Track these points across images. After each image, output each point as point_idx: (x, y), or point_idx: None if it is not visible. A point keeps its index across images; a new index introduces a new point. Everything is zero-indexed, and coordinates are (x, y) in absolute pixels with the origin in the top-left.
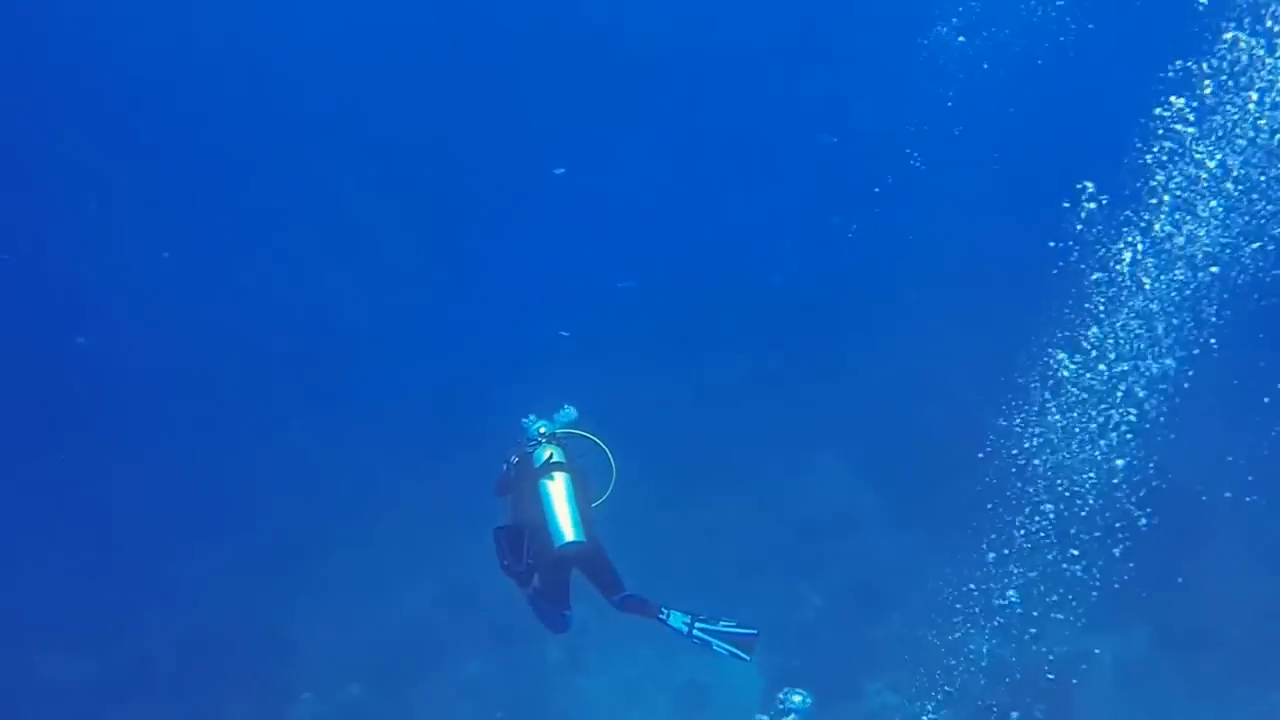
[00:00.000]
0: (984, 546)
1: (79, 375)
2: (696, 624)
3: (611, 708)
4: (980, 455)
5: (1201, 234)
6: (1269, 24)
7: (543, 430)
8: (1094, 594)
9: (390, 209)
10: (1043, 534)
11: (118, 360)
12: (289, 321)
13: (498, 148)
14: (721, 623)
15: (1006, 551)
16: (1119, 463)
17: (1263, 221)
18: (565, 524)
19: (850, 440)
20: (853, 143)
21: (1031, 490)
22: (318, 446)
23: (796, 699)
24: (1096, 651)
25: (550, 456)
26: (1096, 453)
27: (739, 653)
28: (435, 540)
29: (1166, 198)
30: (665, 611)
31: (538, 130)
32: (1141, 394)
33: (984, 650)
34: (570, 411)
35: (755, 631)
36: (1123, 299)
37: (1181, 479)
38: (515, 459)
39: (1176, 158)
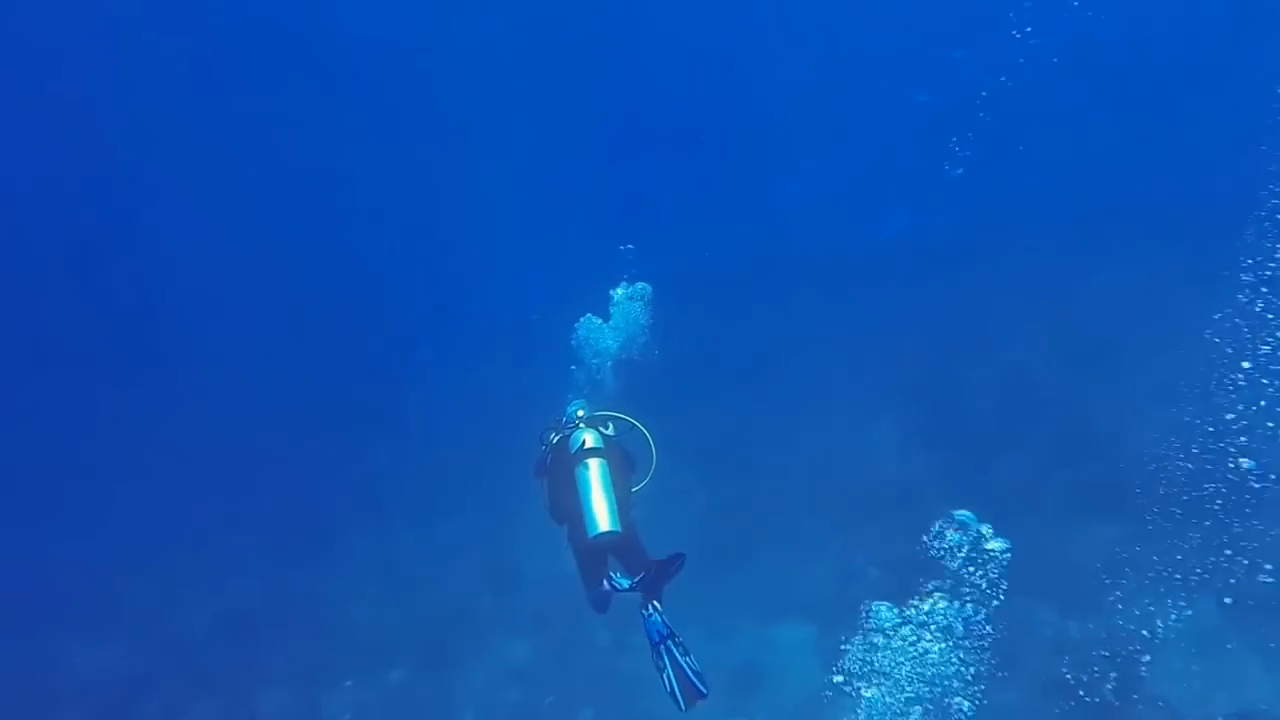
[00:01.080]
0: (1046, 518)
1: (102, 361)
2: (669, 642)
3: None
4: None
5: None
6: None
7: (580, 413)
8: (1160, 565)
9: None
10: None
11: (147, 348)
12: (338, 296)
13: None
14: (687, 660)
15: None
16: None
17: None
18: (600, 513)
19: (906, 409)
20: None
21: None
22: (359, 428)
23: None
24: (1165, 622)
25: (586, 442)
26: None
27: (679, 696)
28: (476, 522)
29: None
30: (651, 610)
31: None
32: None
33: (1049, 622)
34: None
35: (706, 693)
36: None
37: (1241, 444)
38: (554, 438)
39: None
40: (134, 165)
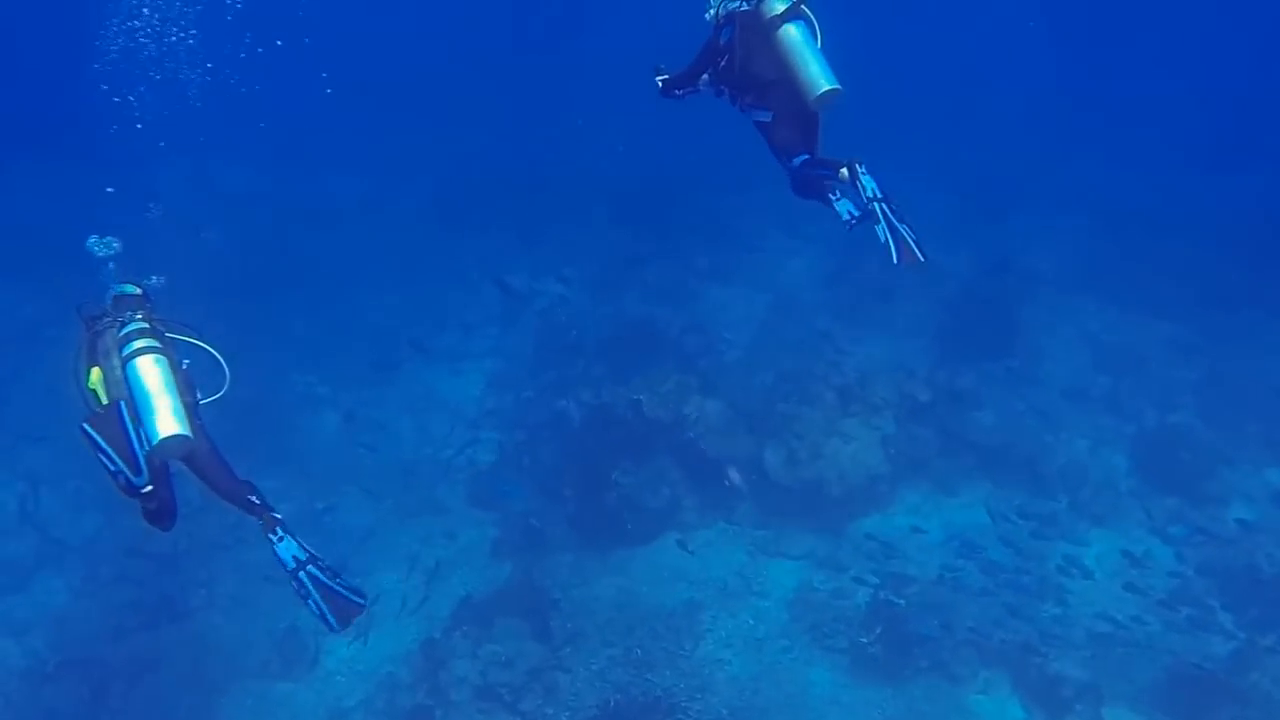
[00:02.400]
0: None
1: None
2: (308, 568)
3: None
4: None
5: None
6: None
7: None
8: None
9: None
10: None
11: None
12: None
13: None
14: (338, 581)
15: None
16: None
17: None
18: (164, 415)
19: None
20: None
21: None
22: None
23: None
24: None
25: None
26: None
27: (331, 620)
28: None
29: None
30: (280, 535)
31: None
32: None
33: None
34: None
35: (364, 602)
36: None
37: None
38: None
39: None
40: None
